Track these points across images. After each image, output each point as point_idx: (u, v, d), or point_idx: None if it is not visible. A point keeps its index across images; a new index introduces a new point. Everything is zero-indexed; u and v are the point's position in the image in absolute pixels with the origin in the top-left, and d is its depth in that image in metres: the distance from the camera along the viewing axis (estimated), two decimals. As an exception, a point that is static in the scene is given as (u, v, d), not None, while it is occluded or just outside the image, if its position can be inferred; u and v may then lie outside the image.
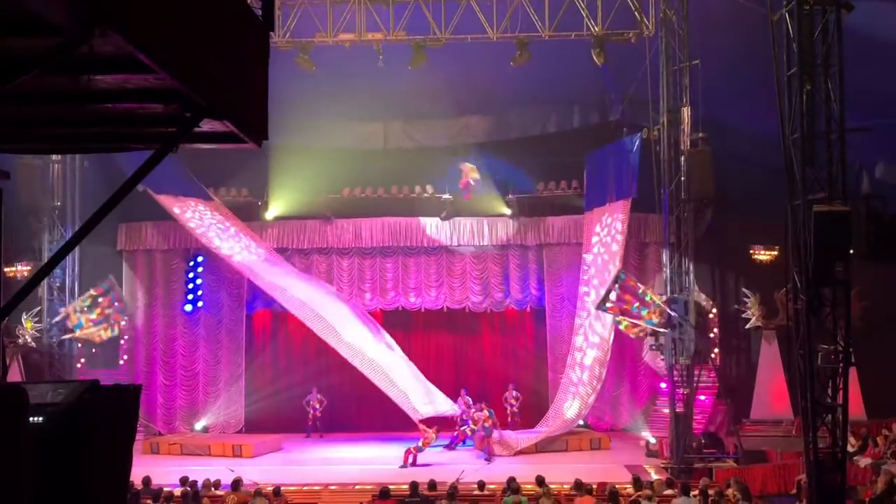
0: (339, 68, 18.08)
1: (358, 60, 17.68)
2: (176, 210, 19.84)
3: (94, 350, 21.18)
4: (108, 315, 19.23)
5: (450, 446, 18.75)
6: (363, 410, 21.74)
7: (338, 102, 19.82)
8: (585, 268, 20.70)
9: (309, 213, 21.32)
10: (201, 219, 20.19)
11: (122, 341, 21.57)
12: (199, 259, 21.75)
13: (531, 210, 21.52)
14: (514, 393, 21.04)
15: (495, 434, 18.24)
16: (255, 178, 21.47)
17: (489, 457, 17.68)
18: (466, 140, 21.46)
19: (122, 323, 20.08)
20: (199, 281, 21.88)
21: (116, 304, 19.62)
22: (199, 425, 21.22)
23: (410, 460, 17.17)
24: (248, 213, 21.47)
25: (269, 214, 21.46)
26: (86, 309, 18.96)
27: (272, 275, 20.19)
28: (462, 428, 18.71)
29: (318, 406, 21.03)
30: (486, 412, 18.25)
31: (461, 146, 21.41)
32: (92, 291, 19.20)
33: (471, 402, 19.33)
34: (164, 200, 19.57)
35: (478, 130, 21.72)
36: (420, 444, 17.30)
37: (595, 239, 19.79)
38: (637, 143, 17.31)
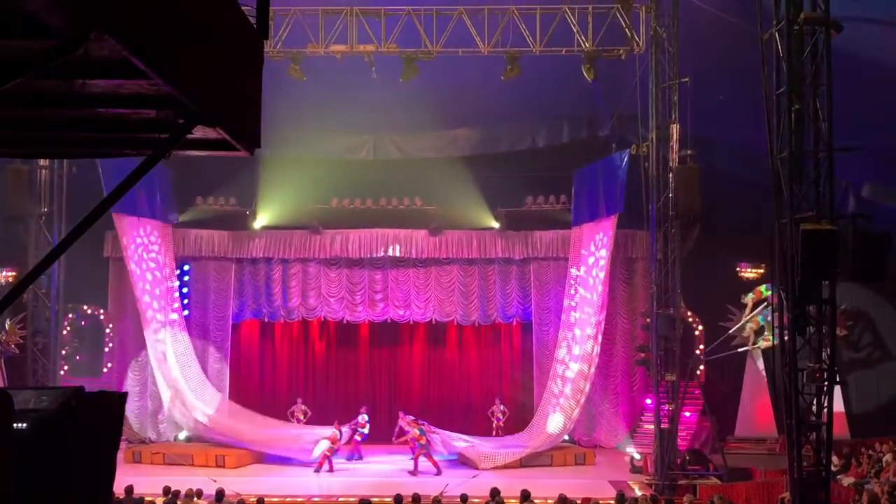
0: (329, 79, 18.13)
1: (349, 72, 17.72)
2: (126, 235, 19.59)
3: (77, 357, 21.13)
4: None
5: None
6: (349, 422, 21.68)
7: (327, 113, 19.82)
8: (572, 282, 20.80)
9: (297, 224, 21.27)
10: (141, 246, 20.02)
11: (105, 349, 21.48)
12: (186, 268, 21.67)
13: (519, 224, 21.58)
14: (501, 407, 21.03)
15: (438, 444, 18.32)
16: (243, 187, 21.43)
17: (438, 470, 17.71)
18: (455, 153, 21.49)
19: None
20: (185, 290, 21.78)
21: None
22: (182, 435, 21.07)
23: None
24: (235, 223, 21.44)
25: (257, 224, 21.38)
26: None
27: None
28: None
29: (302, 417, 20.92)
30: (416, 430, 18.17)
31: (450, 159, 21.46)
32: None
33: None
34: (119, 219, 19.38)
35: (466, 143, 21.77)
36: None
37: (585, 252, 19.82)
38: (626, 158, 17.38)
